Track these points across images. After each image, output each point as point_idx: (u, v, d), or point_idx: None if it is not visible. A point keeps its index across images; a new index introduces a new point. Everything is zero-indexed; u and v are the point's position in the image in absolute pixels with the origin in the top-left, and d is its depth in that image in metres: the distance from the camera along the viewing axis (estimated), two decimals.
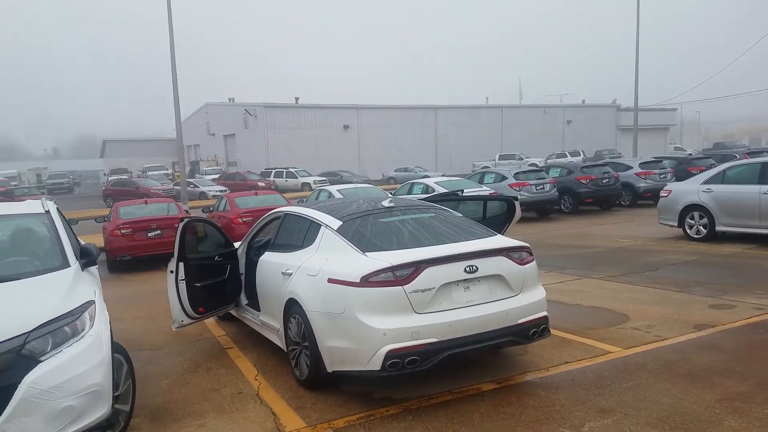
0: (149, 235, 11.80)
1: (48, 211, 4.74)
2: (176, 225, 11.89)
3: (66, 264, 4.13)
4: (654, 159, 20.55)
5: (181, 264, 5.50)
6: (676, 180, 18.43)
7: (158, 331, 6.75)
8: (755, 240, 10.07)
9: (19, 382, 3.01)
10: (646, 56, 30.40)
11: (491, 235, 4.69)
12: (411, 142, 50.64)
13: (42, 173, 60.32)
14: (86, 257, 4.38)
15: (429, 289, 4.00)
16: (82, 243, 5.02)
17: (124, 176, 42.16)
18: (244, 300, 6.22)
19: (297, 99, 48.55)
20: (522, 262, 4.42)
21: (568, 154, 43.59)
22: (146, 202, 13.30)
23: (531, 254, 4.55)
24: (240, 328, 6.54)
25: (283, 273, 4.93)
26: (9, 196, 29.19)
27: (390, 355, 3.85)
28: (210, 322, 6.80)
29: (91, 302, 3.63)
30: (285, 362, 5.10)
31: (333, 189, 15.80)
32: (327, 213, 5.01)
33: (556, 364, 4.74)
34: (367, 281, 3.98)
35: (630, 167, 19.15)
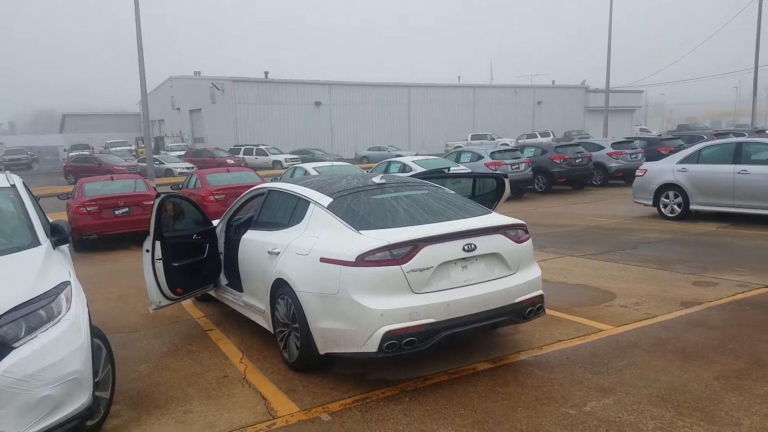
0: (116, 212, 11.31)
1: (14, 185, 4.38)
2: (144, 202, 11.71)
3: (36, 242, 3.81)
4: (625, 139, 20.82)
5: (158, 243, 5.21)
6: (647, 160, 18.81)
7: (133, 313, 6.45)
8: (728, 218, 10.28)
9: None
10: (615, 38, 30.65)
11: (486, 213, 4.56)
12: (384, 121, 50.23)
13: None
14: (57, 235, 4.07)
15: (427, 269, 3.86)
16: (51, 220, 4.69)
17: (86, 152, 40.53)
18: (224, 280, 5.97)
19: (267, 73, 47.39)
20: (519, 240, 4.31)
21: (538, 135, 44.03)
22: (112, 179, 12.73)
23: (527, 232, 4.45)
24: (220, 308, 6.30)
25: (269, 252, 4.71)
26: None
27: (387, 336, 3.71)
28: (188, 303, 6.53)
29: (66, 283, 3.35)
30: (271, 344, 4.91)
31: (309, 167, 15.46)
32: (315, 189, 4.79)
33: (549, 343, 4.69)
34: (363, 260, 3.81)
35: (602, 147, 19.35)
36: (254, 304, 5.10)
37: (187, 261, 5.51)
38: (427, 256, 3.86)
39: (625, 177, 18.58)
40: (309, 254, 4.22)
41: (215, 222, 6.08)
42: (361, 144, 44.62)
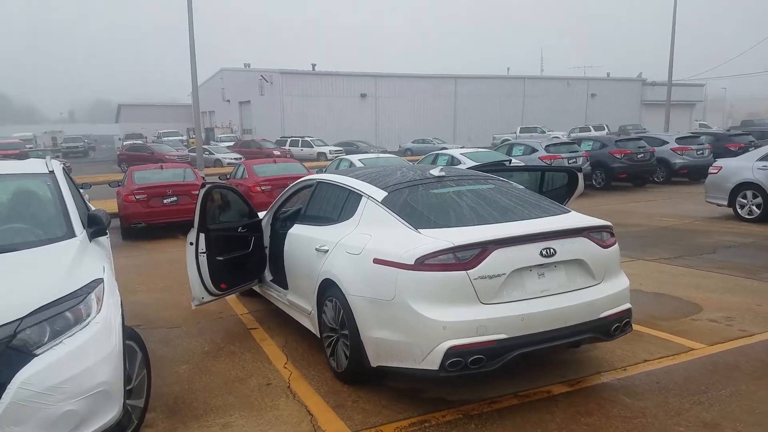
0: (165, 201, 11.25)
1: (52, 171, 4.12)
2: (193, 192, 11.56)
3: (71, 233, 3.53)
4: (691, 134, 19.49)
5: (202, 235, 4.90)
6: (714, 157, 17.50)
7: (175, 306, 6.21)
8: None
9: (8, 383, 2.44)
10: (678, 30, 28.72)
11: (564, 212, 4.00)
12: (429, 113, 49.41)
13: (57, 137, 60.00)
14: (95, 225, 3.78)
15: (498, 276, 3.35)
16: (92, 209, 4.44)
17: (139, 141, 41.63)
18: (268, 276, 5.63)
19: (314, 66, 47.42)
20: (604, 245, 3.74)
21: (592, 128, 42.29)
22: (162, 167, 12.72)
23: (613, 235, 3.87)
24: (264, 305, 5.97)
25: (317, 249, 4.31)
26: (23, 158, 28.82)
27: (451, 352, 3.23)
28: (231, 298, 6.23)
29: (99, 281, 3.03)
30: (317, 348, 4.52)
31: (354, 158, 15.10)
32: (367, 182, 4.34)
33: (633, 363, 4.10)
34: (423, 264, 3.34)
35: (666, 142, 18.13)
36: (300, 303, 4.72)
37: (232, 255, 5.19)
38: (498, 260, 3.35)
39: (690, 174, 17.38)
40: (361, 254, 3.78)
41: (261, 214, 5.75)
42: (406, 136, 44.01)
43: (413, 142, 40.25)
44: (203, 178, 15.03)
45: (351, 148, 34.82)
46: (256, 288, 5.82)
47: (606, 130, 42.24)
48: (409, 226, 3.67)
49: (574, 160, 15.85)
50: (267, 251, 5.65)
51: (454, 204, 3.91)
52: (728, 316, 5.04)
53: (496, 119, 50.43)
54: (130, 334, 3.34)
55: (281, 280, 5.28)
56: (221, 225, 5.25)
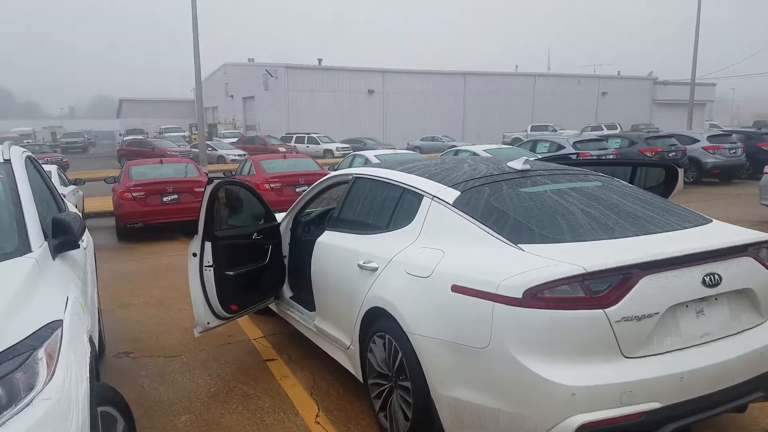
0: (164, 199, 10.19)
1: (8, 161, 3.05)
2: (196, 189, 10.39)
3: (24, 248, 2.46)
4: (723, 132, 18.40)
5: (208, 244, 3.85)
6: (746, 157, 16.42)
7: (174, 326, 5.17)
8: None
9: None
10: (688, 29, 27.64)
11: (706, 221, 2.93)
12: (438, 110, 48.25)
13: (57, 132, 58.97)
14: (61, 236, 2.71)
15: (649, 316, 2.29)
16: (67, 212, 3.38)
17: (140, 137, 40.56)
18: (288, 292, 4.59)
19: (320, 60, 46.27)
20: None
21: (604, 127, 41.15)
22: (161, 162, 11.64)
23: None
24: (282, 326, 4.93)
25: (360, 266, 3.25)
26: None
27: (585, 430, 2.17)
28: (242, 317, 5.18)
29: (54, 325, 1.97)
30: (358, 393, 3.47)
31: (369, 154, 14.00)
32: (427, 177, 3.28)
33: None
34: (537, 297, 2.28)
35: (696, 140, 17.04)
36: (332, 333, 3.67)
37: (245, 268, 4.14)
38: (648, 293, 2.29)
39: (722, 175, 16.31)
40: (430, 276, 2.73)
41: (279, 216, 4.70)
42: (413, 134, 42.86)
43: (422, 140, 39.08)
44: (207, 174, 13.98)
45: (359, 145, 33.70)
46: (272, 306, 4.77)
47: (618, 128, 41.15)
48: (503, 238, 2.61)
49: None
50: (286, 261, 4.61)
51: (559, 208, 2.84)
52: None
53: (505, 117, 49.27)
54: (107, 396, 2.29)
55: (305, 299, 4.24)
56: (231, 231, 4.20)
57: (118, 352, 4.57)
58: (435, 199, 3.06)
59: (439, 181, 3.19)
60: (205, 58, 22.17)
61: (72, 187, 11.23)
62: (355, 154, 14.45)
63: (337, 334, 3.61)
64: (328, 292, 3.76)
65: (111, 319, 5.33)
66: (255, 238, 4.34)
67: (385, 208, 3.47)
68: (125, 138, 41.25)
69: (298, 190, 11.35)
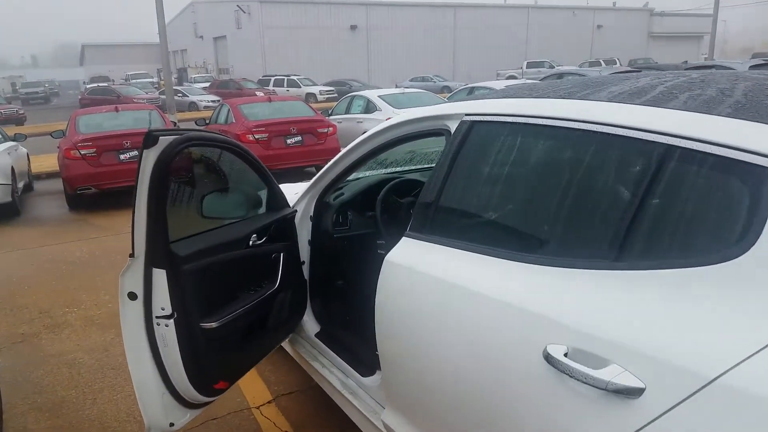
0: (122, 157, 8.03)
1: None
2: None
3: None
4: (764, 62, 16.38)
5: (160, 274, 1.84)
6: None
7: (127, 374, 3.21)
8: None
9: None
10: None
11: None
12: (426, 47, 45.18)
13: (17, 82, 54.68)
14: None
15: None
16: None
17: (104, 84, 37.18)
18: (312, 326, 2.66)
19: None
20: None
21: (602, 62, 38.87)
22: (117, 110, 9.28)
23: None
24: (298, 377, 3.01)
25: (559, 363, 1.27)
26: None
27: None
28: None
29: None
30: None
31: (371, 94, 11.79)
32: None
33: None
34: None
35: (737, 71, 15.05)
36: None
37: (239, 308, 2.15)
38: None
39: None
40: None
41: (288, 193, 2.65)
42: (401, 74, 40.05)
43: (411, 81, 36.40)
44: (175, 123, 11.64)
45: (344, 87, 31.02)
46: (285, 345, 2.83)
47: (617, 63, 38.92)
48: None
49: None
50: (305, 270, 2.66)
51: None
52: None
53: (498, 53, 46.47)
54: None
55: (348, 342, 2.31)
56: (206, 238, 2.16)
57: None
58: None
59: None
60: None
61: (10, 143, 8.94)
62: (354, 96, 12.18)
63: None
64: (430, 375, 1.77)
65: (28, 356, 3.37)
66: (253, 243, 2.32)
67: (618, 204, 1.44)
68: (88, 86, 37.87)
69: (289, 141, 9.20)
